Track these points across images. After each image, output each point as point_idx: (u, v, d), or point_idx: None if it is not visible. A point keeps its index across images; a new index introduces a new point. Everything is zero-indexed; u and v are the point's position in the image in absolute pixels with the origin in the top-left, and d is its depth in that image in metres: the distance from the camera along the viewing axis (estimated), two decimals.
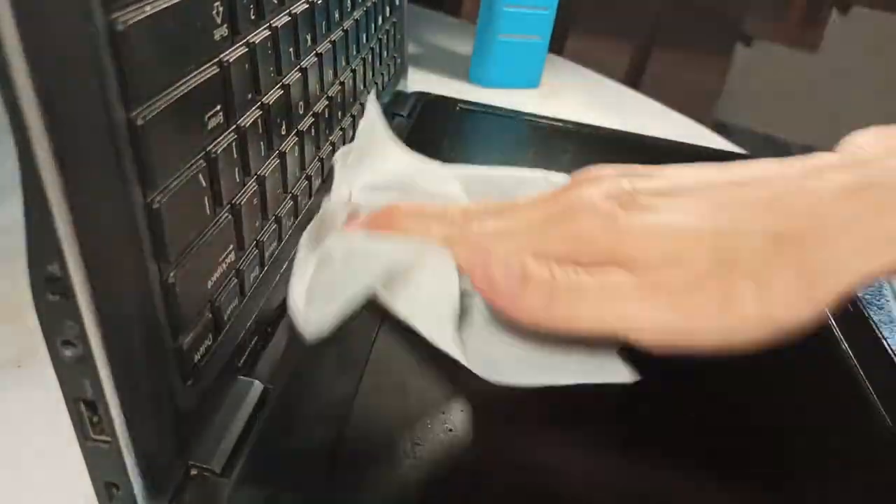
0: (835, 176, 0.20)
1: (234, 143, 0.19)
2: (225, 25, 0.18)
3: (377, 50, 0.37)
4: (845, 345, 0.27)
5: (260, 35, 0.20)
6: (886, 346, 0.28)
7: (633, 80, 1.49)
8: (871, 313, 0.30)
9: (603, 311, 0.21)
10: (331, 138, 0.30)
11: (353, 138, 0.33)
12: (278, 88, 0.22)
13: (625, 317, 0.21)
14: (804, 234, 0.19)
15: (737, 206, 0.21)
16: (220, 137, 0.18)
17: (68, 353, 0.14)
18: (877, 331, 0.28)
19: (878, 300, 0.33)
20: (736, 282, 0.20)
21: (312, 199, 0.28)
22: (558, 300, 0.21)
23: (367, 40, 0.34)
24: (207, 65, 0.17)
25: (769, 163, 0.22)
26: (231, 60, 0.18)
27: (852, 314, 0.29)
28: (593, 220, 0.22)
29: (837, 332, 0.28)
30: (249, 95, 0.20)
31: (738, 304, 0.20)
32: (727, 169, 0.22)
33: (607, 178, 0.23)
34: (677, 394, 0.24)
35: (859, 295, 0.31)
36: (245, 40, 0.19)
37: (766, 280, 0.19)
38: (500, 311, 0.23)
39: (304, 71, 0.25)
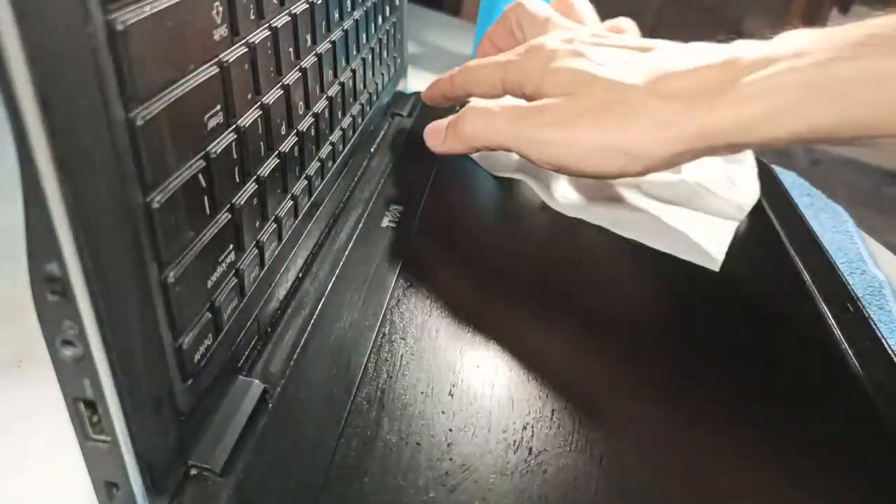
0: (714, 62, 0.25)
1: (233, 144, 0.19)
2: (225, 25, 0.18)
3: (377, 50, 0.37)
4: (845, 345, 0.27)
5: (260, 35, 0.20)
6: (886, 346, 0.27)
7: None
8: (871, 313, 0.30)
9: (500, 127, 0.28)
10: (331, 138, 0.30)
11: (353, 138, 0.33)
12: (278, 88, 0.22)
13: (515, 133, 0.28)
14: (672, 96, 0.25)
15: (637, 64, 0.27)
16: (220, 138, 0.18)
17: (68, 352, 0.14)
18: (877, 331, 0.28)
19: (878, 300, 0.33)
20: (605, 112, 0.26)
21: (312, 198, 0.28)
22: (467, 122, 0.30)
23: (367, 40, 0.34)
24: (207, 65, 0.17)
25: (673, 45, 0.28)
26: (231, 61, 0.18)
27: (852, 314, 0.29)
28: (538, 58, 0.29)
29: (837, 332, 0.28)
30: (249, 96, 0.20)
31: (601, 130, 0.26)
32: (646, 41, 0.29)
33: (562, 32, 0.31)
34: (676, 393, 0.24)
35: (859, 294, 0.31)
36: (245, 40, 0.19)
37: (627, 116, 0.25)
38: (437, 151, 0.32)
39: (303, 71, 0.25)
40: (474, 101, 0.30)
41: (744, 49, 0.25)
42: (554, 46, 0.29)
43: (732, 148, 0.25)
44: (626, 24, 0.34)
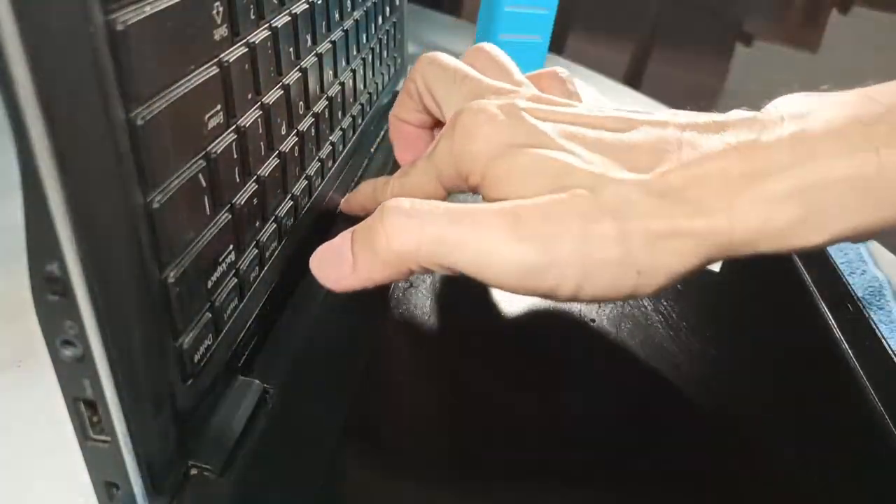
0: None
1: (233, 144, 0.19)
2: (225, 25, 0.18)
3: (377, 50, 0.37)
4: (845, 345, 0.27)
5: (260, 35, 0.20)
6: (886, 346, 0.28)
7: (633, 79, 1.49)
8: (871, 313, 0.30)
9: (446, 240, 0.19)
10: (331, 138, 0.30)
11: (353, 138, 0.33)
12: (278, 88, 0.22)
13: (471, 248, 0.19)
14: (678, 199, 0.19)
15: (620, 148, 0.20)
16: (220, 137, 0.18)
17: (68, 352, 0.14)
18: (877, 331, 0.28)
19: (878, 300, 0.33)
20: (597, 219, 0.18)
21: (313, 199, 0.28)
22: (390, 232, 0.19)
23: (367, 40, 0.34)
24: (207, 65, 0.17)
25: (653, 119, 0.21)
26: (231, 60, 0.18)
27: (852, 314, 0.29)
28: (479, 136, 0.21)
29: (837, 332, 0.28)
30: (249, 95, 0.20)
31: (596, 241, 0.18)
32: (614, 111, 0.22)
33: (495, 96, 0.23)
34: (676, 393, 0.24)
35: (859, 294, 0.31)
36: (245, 40, 0.19)
37: (629, 222, 0.18)
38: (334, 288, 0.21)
39: (304, 71, 0.25)
40: (390, 202, 0.20)
41: (761, 126, 0.19)
42: (498, 116, 0.21)
43: (754, 255, 0.19)
44: (562, 73, 0.26)
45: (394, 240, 0.19)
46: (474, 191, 0.22)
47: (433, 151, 0.23)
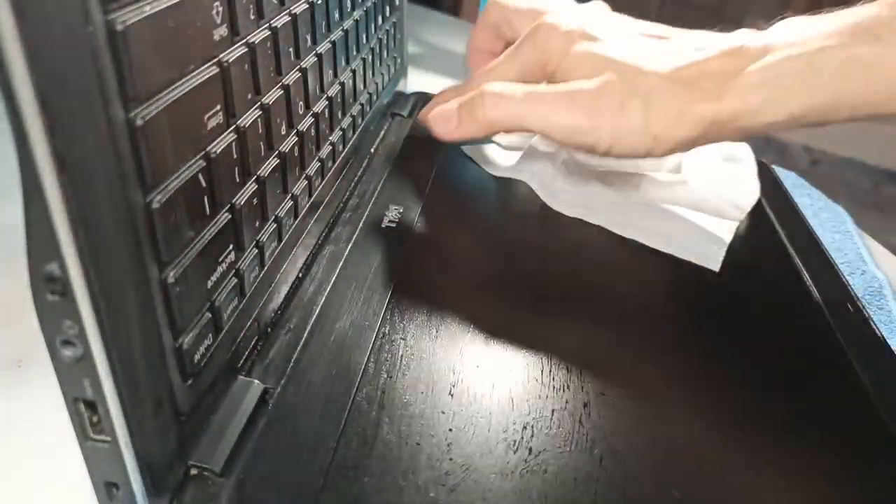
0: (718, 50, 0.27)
1: (233, 144, 0.19)
2: (225, 25, 0.18)
3: (377, 50, 0.37)
4: (845, 345, 0.27)
5: (260, 35, 0.20)
6: (886, 346, 0.27)
7: None
8: (871, 313, 0.30)
9: (523, 111, 0.28)
10: (331, 138, 0.30)
11: (353, 138, 0.33)
12: (278, 88, 0.22)
13: (542, 116, 0.28)
14: (689, 84, 0.26)
15: (652, 52, 0.28)
16: (220, 138, 0.18)
17: (68, 352, 0.14)
18: (877, 331, 0.28)
19: (878, 300, 0.33)
20: (630, 99, 0.27)
21: (312, 199, 0.28)
22: (489, 105, 0.29)
23: (366, 40, 0.34)
24: (207, 65, 0.17)
25: (679, 32, 0.30)
26: (231, 60, 0.18)
27: (852, 314, 0.29)
28: (555, 38, 0.29)
29: (837, 333, 0.28)
30: (249, 96, 0.20)
31: (628, 114, 0.27)
32: (656, 28, 0.31)
33: (569, 11, 0.32)
34: (676, 392, 0.24)
35: (859, 294, 0.31)
36: (245, 40, 0.19)
37: (652, 102, 0.26)
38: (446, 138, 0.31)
39: (303, 71, 0.25)
40: (489, 84, 0.30)
41: (746, 39, 0.27)
42: (569, 27, 0.29)
43: (741, 131, 0.27)
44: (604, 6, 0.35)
45: (489, 111, 0.29)
46: (548, 78, 0.30)
47: (518, 49, 0.31)
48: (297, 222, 0.26)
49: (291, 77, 0.23)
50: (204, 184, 0.17)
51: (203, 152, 0.17)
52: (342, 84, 0.30)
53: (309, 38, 0.25)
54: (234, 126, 0.19)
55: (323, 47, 0.27)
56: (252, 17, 0.20)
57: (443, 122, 0.31)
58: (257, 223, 0.22)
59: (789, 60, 0.25)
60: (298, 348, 0.23)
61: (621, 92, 0.27)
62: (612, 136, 0.27)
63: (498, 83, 0.29)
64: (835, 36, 0.25)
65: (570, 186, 0.35)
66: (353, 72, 0.32)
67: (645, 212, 0.34)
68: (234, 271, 0.20)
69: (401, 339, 0.24)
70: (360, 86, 0.34)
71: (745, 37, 0.28)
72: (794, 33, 0.26)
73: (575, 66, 0.28)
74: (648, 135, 0.27)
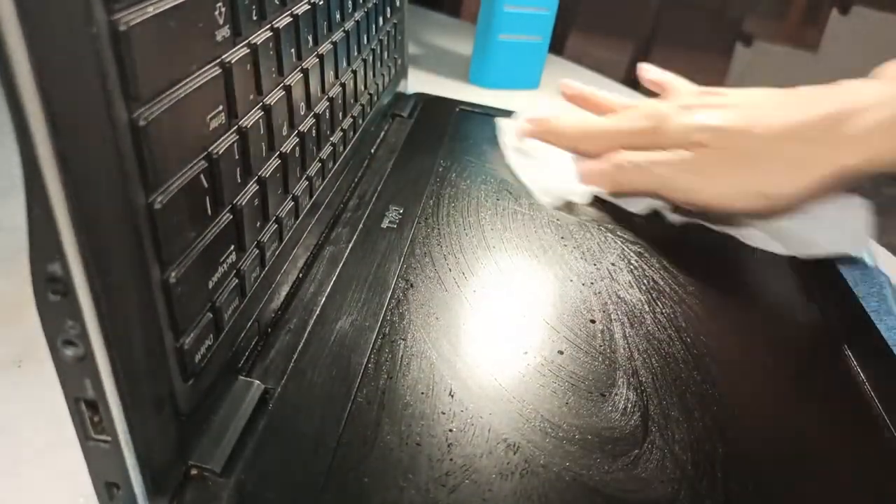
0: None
1: (235, 144, 0.19)
2: (227, 26, 0.18)
3: (378, 51, 0.37)
4: (845, 345, 0.27)
5: (262, 36, 0.20)
6: (886, 346, 0.28)
7: (633, 80, 1.49)
8: (871, 313, 0.30)
9: (651, 179, 0.33)
10: (332, 139, 0.30)
11: (354, 139, 0.33)
12: (280, 89, 0.22)
13: (668, 185, 0.32)
14: (800, 139, 0.28)
15: (765, 109, 0.30)
16: (222, 138, 0.18)
17: (69, 352, 0.14)
18: (877, 331, 0.28)
19: (878, 300, 0.34)
20: (744, 164, 0.29)
21: (313, 199, 0.28)
22: (623, 173, 0.34)
23: (367, 41, 0.34)
24: (209, 65, 0.17)
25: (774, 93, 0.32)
26: (233, 61, 0.18)
27: (852, 314, 0.29)
28: (666, 121, 0.33)
29: (837, 333, 0.28)
30: (251, 96, 0.20)
31: (736, 179, 0.30)
32: (742, 93, 0.33)
33: (678, 95, 0.36)
34: (675, 392, 0.24)
35: (860, 296, 0.31)
36: (247, 41, 0.19)
37: (764, 166, 0.29)
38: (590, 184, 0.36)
39: (305, 72, 0.25)
40: (626, 154, 0.34)
41: (858, 86, 0.29)
42: (671, 109, 0.33)
43: (861, 178, 0.29)
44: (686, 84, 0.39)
45: (625, 177, 0.34)
46: (658, 143, 0.33)
47: (628, 114, 0.35)
48: (297, 223, 0.26)
49: (293, 78, 0.24)
50: (206, 184, 0.17)
51: (205, 153, 0.17)
52: (343, 85, 0.30)
53: (310, 38, 0.25)
54: (235, 126, 0.19)
55: (324, 48, 0.27)
56: (254, 18, 0.20)
57: (587, 177, 0.36)
58: (258, 223, 0.22)
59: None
60: (298, 348, 0.23)
61: (732, 155, 0.30)
62: (727, 198, 0.31)
63: (632, 153, 0.34)
64: None
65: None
66: (354, 72, 0.32)
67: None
68: (235, 272, 0.20)
69: (401, 339, 0.24)
70: (360, 86, 0.34)
71: (854, 84, 0.29)
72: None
73: (688, 132, 0.31)
74: (759, 195, 0.30)
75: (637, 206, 0.36)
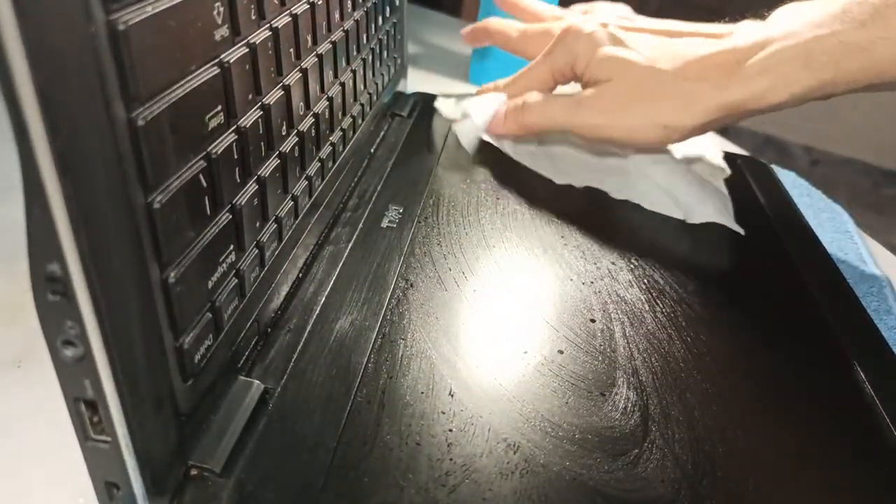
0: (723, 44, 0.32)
1: (234, 144, 0.19)
2: (226, 26, 0.18)
3: (377, 50, 0.37)
4: (845, 345, 0.27)
5: (260, 35, 0.20)
6: (886, 346, 0.28)
7: None
8: (871, 313, 0.30)
9: (557, 116, 0.36)
10: (331, 139, 0.30)
11: (353, 139, 0.33)
12: (279, 89, 0.22)
13: (572, 120, 0.35)
14: (695, 78, 0.32)
15: (664, 51, 0.34)
16: (221, 138, 0.18)
17: (68, 352, 0.14)
18: (876, 331, 0.28)
19: (878, 300, 0.34)
20: (639, 97, 0.33)
21: (313, 199, 0.28)
22: (530, 113, 0.37)
23: (367, 41, 0.34)
24: (208, 65, 0.17)
25: (687, 27, 0.36)
26: (232, 61, 0.18)
27: (852, 314, 0.29)
28: (582, 43, 0.35)
29: (837, 332, 0.28)
30: (250, 96, 0.20)
31: (638, 111, 0.33)
32: (671, 24, 0.37)
33: (596, 14, 0.40)
34: (674, 391, 0.24)
35: (860, 296, 0.31)
36: (246, 41, 0.19)
37: (659, 98, 0.33)
38: (494, 133, 0.39)
39: (304, 71, 0.25)
40: (529, 95, 0.37)
41: (746, 33, 0.32)
42: (591, 30, 0.35)
43: (749, 113, 0.32)
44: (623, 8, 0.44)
45: (528, 118, 0.37)
46: (578, 77, 0.36)
47: (551, 53, 0.37)
48: (297, 222, 0.26)
49: (292, 77, 0.23)
50: (205, 184, 0.17)
51: (204, 152, 0.17)
52: (342, 84, 0.30)
53: (309, 38, 0.25)
54: (234, 126, 0.19)
55: (323, 48, 0.27)
56: (253, 18, 0.20)
57: (495, 123, 0.39)
58: (258, 223, 0.22)
59: (785, 51, 0.30)
60: (298, 348, 0.23)
61: (637, 91, 0.33)
62: (628, 130, 0.34)
63: (535, 93, 0.37)
64: (825, 25, 0.29)
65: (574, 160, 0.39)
66: (354, 72, 0.32)
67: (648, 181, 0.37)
68: (234, 271, 0.20)
69: (401, 339, 0.24)
70: (360, 86, 0.34)
71: (745, 31, 0.32)
72: (789, 22, 0.31)
73: (598, 68, 0.35)
74: (658, 126, 0.33)
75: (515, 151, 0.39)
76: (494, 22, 0.44)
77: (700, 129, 0.33)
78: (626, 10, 0.45)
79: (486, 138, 0.39)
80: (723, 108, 0.32)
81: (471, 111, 0.40)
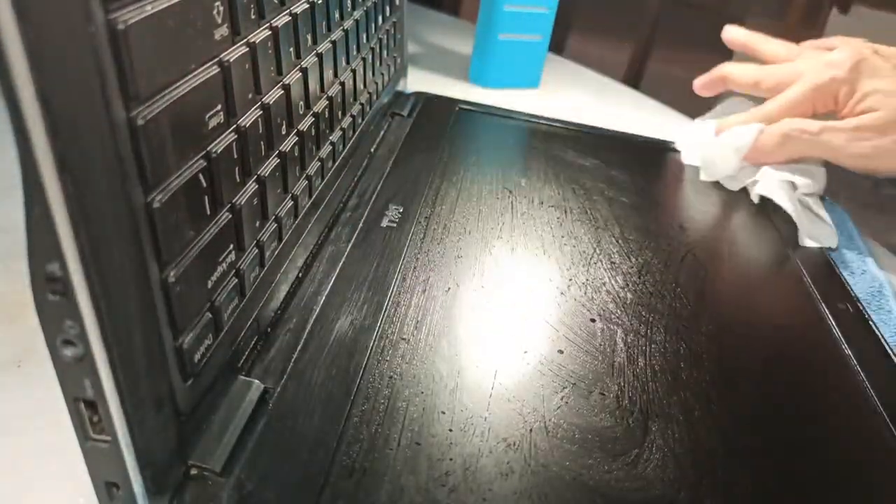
0: None
1: (234, 143, 0.19)
2: (225, 25, 0.18)
3: (377, 50, 0.37)
4: (845, 345, 0.27)
5: (260, 35, 0.20)
6: (886, 346, 0.28)
7: (633, 79, 1.49)
8: (871, 313, 0.30)
9: (820, 145, 0.37)
10: (331, 138, 0.30)
11: (353, 138, 0.33)
12: (279, 88, 0.22)
13: (833, 148, 0.37)
14: None
15: None
16: (221, 137, 0.18)
17: (68, 352, 0.14)
18: (877, 331, 0.28)
19: (878, 300, 0.33)
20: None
21: (313, 198, 0.28)
22: (791, 144, 0.38)
23: (367, 40, 0.34)
24: (208, 64, 0.17)
25: None
26: (231, 60, 0.18)
27: (852, 314, 0.29)
28: (841, 84, 0.38)
29: (837, 333, 0.28)
30: (250, 95, 0.20)
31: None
32: None
33: (854, 49, 0.39)
34: (674, 391, 0.24)
35: (859, 295, 0.31)
36: (245, 40, 0.19)
37: None
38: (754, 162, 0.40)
39: (304, 71, 0.25)
40: (793, 121, 0.38)
41: None
42: (856, 60, 0.37)
43: None
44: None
45: (793, 146, 0.38)
46: (837, 111, 0.38)
47: (817, 84, 0.38)
48: (297, 222, 0.26)
49: (292, 77, 0.23)
50: (204, 183, 0.17)
51: (204, 152, 0.17)
52: (342, 84, 0.30)
53: (309, 37, 0.25)
54: (234, 126, 0.19)
55: (323, 47, 0.27)
56: (253, 17, 0.20)
57: (755, 152, 0.39)
58: (258, 223, 0.22)
59: None
60: (298, 348, 0.23)
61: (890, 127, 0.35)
62: (890, 161, 0.36)
63: (798, 120, 0.38)
64: None
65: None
66: (354, 71, 0.32)
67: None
68: (234, 271, 0.20)
69: (401, 339, 0.24)
70: (360, 85, 0.34)
71: None
72: None
73: (860, 100, 0.37)
74: None
75: (733, 184, 0.40)
76: (732, 69, 0.44)
77: None
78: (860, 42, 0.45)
79: (742, 166, 0.40)
80: None
81: (727, 142, 0.40)
